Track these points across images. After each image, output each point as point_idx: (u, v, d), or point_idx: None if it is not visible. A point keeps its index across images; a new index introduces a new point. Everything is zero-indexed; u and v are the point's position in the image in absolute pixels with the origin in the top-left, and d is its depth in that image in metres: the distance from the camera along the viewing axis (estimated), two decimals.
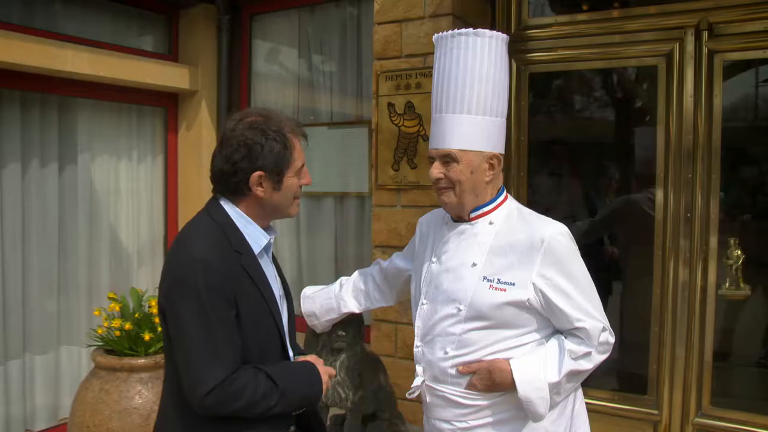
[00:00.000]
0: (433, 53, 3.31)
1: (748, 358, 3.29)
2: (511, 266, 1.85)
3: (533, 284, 1.82)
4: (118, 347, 3.06)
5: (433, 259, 2.02)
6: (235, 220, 1.76)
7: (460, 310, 1.88)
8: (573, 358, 1.82)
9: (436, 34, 2.03)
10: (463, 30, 1.95)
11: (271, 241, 1.84)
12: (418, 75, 3.30)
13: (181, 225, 4.68)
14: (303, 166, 1.82)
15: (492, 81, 1.90)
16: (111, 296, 3.14)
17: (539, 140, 3.73)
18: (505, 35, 1.96)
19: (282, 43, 4.67)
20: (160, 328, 3.09)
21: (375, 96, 3.46)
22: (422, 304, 2.01)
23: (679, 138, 3.17)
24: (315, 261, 4.53)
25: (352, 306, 2.35)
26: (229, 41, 4.65)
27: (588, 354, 1.84)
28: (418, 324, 2.01)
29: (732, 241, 3.09)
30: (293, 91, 4.63)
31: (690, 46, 3.14)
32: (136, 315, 3.06)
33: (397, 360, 3.43)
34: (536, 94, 3.68)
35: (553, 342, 1.87)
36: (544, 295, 1.82)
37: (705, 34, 3.11)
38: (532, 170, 3.67)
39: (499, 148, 1.94)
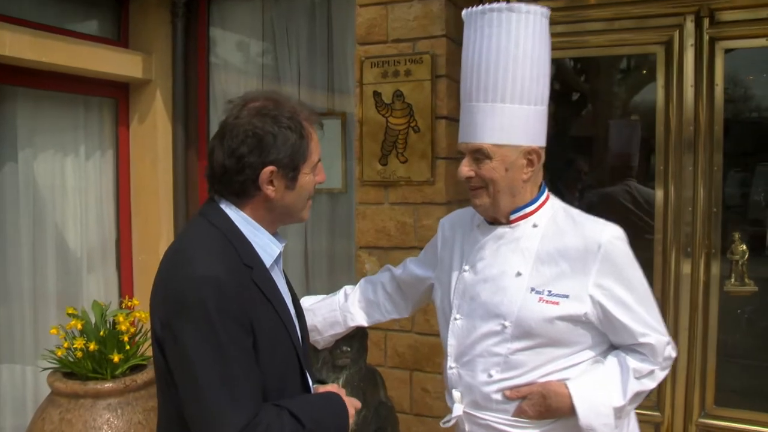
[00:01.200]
0: (424, 38, 3.15)
1: (753, 355, 3.22)
2: (563, 275, 1.64)
3: (590, 296, 1.62)
4: (79, 370, 2.69)
5: (465, 267, 1.79)
6: (240, 227, 1.48)
7: (504, 326, 1.66)
8: (637, 378, 1.64)
9: (465, 10, 1.78)
10: (495, 5, 1.70)
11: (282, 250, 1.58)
12: (407, 61, 3.06)
13: (135, 225, 4.31)
14: (319, 160, 1.56)
15: (530, 63, 1.66)
16: (70, 312, 2.75)
17: None
18: (545, 9, 1.72)
19: (244, 31, 4.33)
20: (128, 347, 2.74)
21: (359, 84, 3.20)
22: (455, 319, 1.78)
23: (680, 129, 3.05)
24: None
25: (360, 319, 2.09)
26: (185, 27, 4.26)
27: (652, 372, 1.66)
28: (452, 342, 1.78)
29: (736, 236, 3.00)
30: (256, 83, 4.29)
31: (690, 34, 3.01)
32: (101, 333, 2.70)
33: (387, 369, 3.19)
34: None
35: (613, 360, 1.67)
36: (602, 308, 1.62)
37: (706, 21, 2.99)
38: None
39: (539, 140, 1.71)
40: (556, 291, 1.63)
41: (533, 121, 1.68)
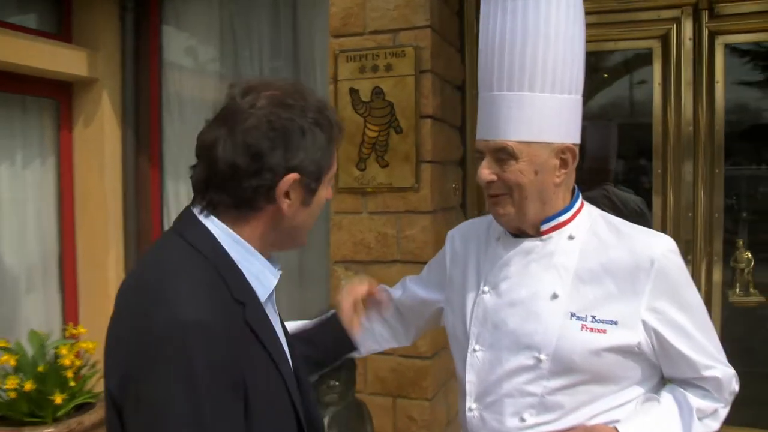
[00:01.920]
0: (406, 29, 2.84)
1: (759, 367, 3.04)
2: (610, 297, 1.37)
3: (643, 321, 1.35)
4: (13, 414, 2.29)
5: (485, 289, 1.50)
6: (230, 251, 1.14)
7: (540, 360, 1.37)
8: (700, 419, 1.38)
9: None
10: None
11: None
12: (388, 55, 2.77)
13: (80, 240, 3.90)
14: (332, 178, 1.26)
15: (563, 43, 1.39)
16: (2, 345, 2.35)
17: None
18: None
19: (200, 26, 3.97)
20: (73, 383, 2.36)
21: (332, 81, 2.89)
22: (474, 351, 1.48)
23: (678, 130, 2.86)
24: None
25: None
26: (136, 21, 3.88)
27: (716, 411, 1.41)
28: (471, 379, 1.49)
29: (740, 243, 2.81)
30: (213, 83, 3.95)
31: (688, 28, 2.83)
32: (40, 368, 2.31)
33: (367, 396, 2.89)
34: None
35: (670, 398, 1.41)
36: (658, 336, 1.36)
37: (704, 14, 2.81)
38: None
39: (573, 136, 1.43)
40: (602, 316, 1.36)
41: (567, 113, 1.42)
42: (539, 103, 1.38)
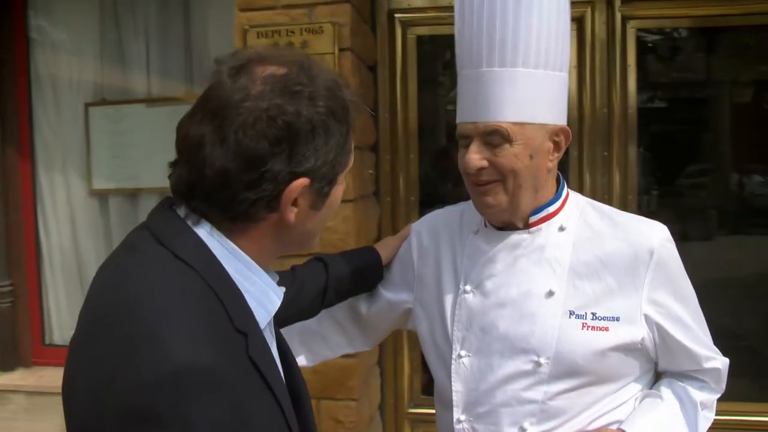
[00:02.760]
0: (323, 3, 2.62)
1: None
2: (610, 292, 1.28)
3: (645, 315, 1.27)
4: None
5: (467, 288, 1.36)
6: (226, 265, 0.90)
7: (539, 364, 1.26)
8: (703, 411, 1.34)
9: None
10: None
11: None
12: (303, 31, 2.55)
13: None
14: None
15: (556, 15, 1.28)
16: None
17: (428, 117, 3.23)
18: None
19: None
20: None
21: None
22: (460, 357, 1.34)
23: (593, 113, 2.88)
24: None
25: (302, 359, 1.58)
26: None
27: (713, 401, 1.37)
28: (458, 388, 1.34)
29: None
30: (92, 60, 3.53)
31: (602, 12, 2.84)
32: None
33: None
34: (424, 61, 3.14)
35: (669, 393, 1.34)
36: (659, 330, 1.29)
37: None
38: (422, 153, 3.14)
39: (563, 117, 1.34)
40: (603, 313, 1.26)
41: (559, 92, 1.31)
42: (533, 80, 1.26)
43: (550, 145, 1.30)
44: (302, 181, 0.89)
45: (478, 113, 1.27)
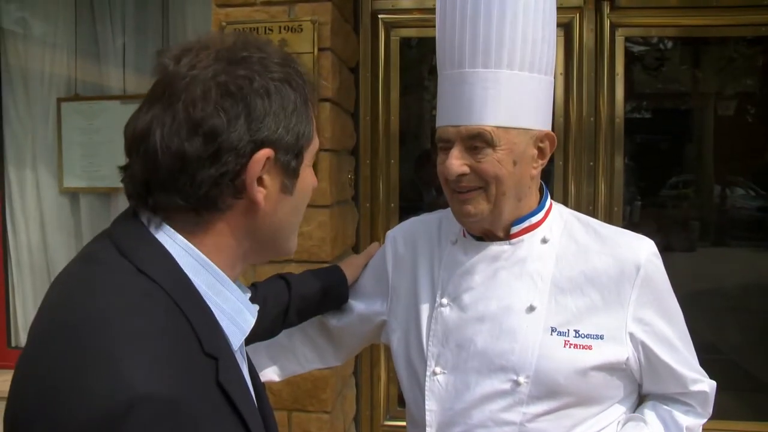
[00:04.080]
0: (303, 0, 2.57)
1: None
2: (594, 309, 1.21)
3: (630, 334, 1.20)
4: None
5: (443, 301, 1.29)
6: (195, 279, 0.81)
7: (518, 383, 1.18)
8: None
9: None
10: None
11: None
12: (282, 29, 2.46)
13: None
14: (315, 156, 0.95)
15: (542, 16, 1.22)
16: None
17: (410, 121, 3.15)
18: None
19: None
20: None
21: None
22: (434, 374, 1.27)
23: (580, 121, 2.82)
24: None
25: (271, 373, 1.49)
26: None
27: (699, 426, 1.29)
28: (432, 407, 1.26)
29: None
30: (66, 53, 3.41)
31: (590, 18, 2.78)
32: None
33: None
34: (408, 64, 3.07)
35: (653, 416, 1.27)
36: (645, 350, 1.22)
37: (606, 6, 2.78)
38: (403, 158, 3.06)
39: (548, 122, 1.27)
40: (587, 330, 1.19)
41: (544, 95, 1.24)
42: (518, 82, 1.19)
43: (535, 151, 1.23)
44: (266, 152, 0.81)
45: (460, 116, 1.19)
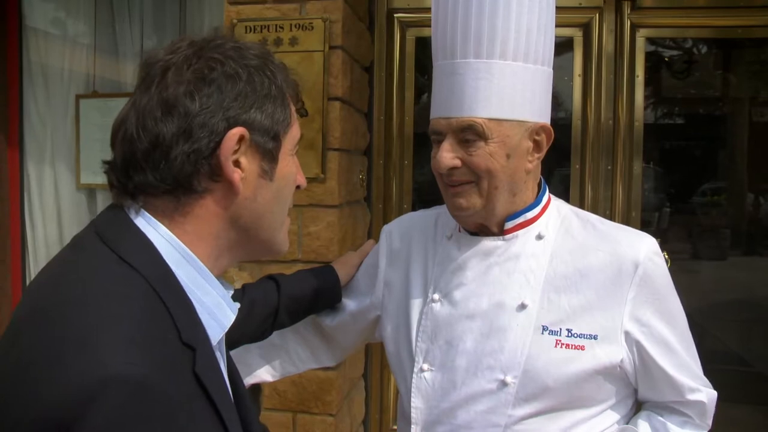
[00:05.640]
0: None
1: None
2: (588, 308, 1.16)
3: (625, 333, 1.15)
4: None
5: (435, 296, 1.25)
6: (177, 270, 0.81)
7: (505, 384, 1.14)
8: None
9: None
10: None
11: None
12: (293, 27, 2.44)
13: None
14: (297, 146, 0.94)
15: (538, 6, 1.17)
16: None
17: (425, 122, 3.10)
18: None
19: None
20: None
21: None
22: (422, 371, 1.23)
23: (598, 125, 2.74)
24: None
25: (264, 373, 1.46)
26: None
27: None
28: (418, 404, 1.23)
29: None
30: (86, 51, 3.45)
31: (610, 18, 2.71)
32: None
33: (265, 413, 2.56)
34: (423, 64, 3.02)
35: (646, 427, 1.21)
36: (640, 351, 1.16)
37: (626, 6, 2.70)
38: (416, 159, 3.02)
39: (546, 115, 1.22)
40: (580, 330, 1.14)
41: (540, 87, 1.19)
42: (511, 73, 1.15)
43: (530, 144, 1.18)
44: (239, 130, 0.81)
45: (451, 108, 1.16)
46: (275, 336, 1.45)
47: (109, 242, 0.79)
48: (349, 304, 1.44)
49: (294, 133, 0.90)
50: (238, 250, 0.89)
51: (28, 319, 0.75)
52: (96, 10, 3.40)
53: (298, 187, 0.94)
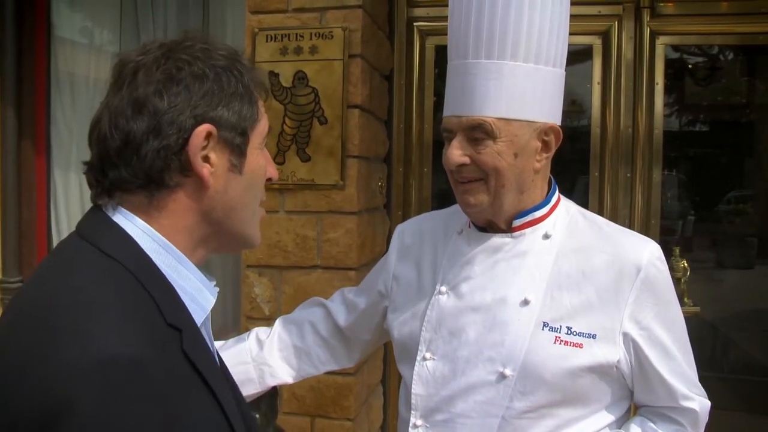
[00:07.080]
0: (335, 8, 2.51)
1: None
2: (589, 307, 1.19)
3: (624, 334, 1.18)
4: None
5: (442, 289, 1.30)
6: (156, 259, 0.86)
7: (504, 376, 1.18)
8: None
9: None
10: None
11: None
12: (313, 36, 2.47)
13: None
14: (265, 140, 0.99)
15: (551, 8, 1.21)
16: None
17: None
18: None
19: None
20: None
21: (250, 62, 2.56)
22: (424, 359, 1.28)
23: (617, 132, 2.73)
24: None
25: (284, 374, 1.49)
26: None
27: None
28: (419, 391, 1.28)
29: (676, 251, 2.71)
30: (111, 58, 3.52)
31: (629, 26, 2.70)
32: None
33: (283, 416, 2.58)
34: (442, 72, 3.03)
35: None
36: (637, 353, 1.19)
37: (646, 13, 2.69)
38: (437, 165, 3.03)
39: (556, 115, 1.25)
40: (579, 328, 1.18)
41: (551, 88, 1.23)
42: (522, 74, 1.19)
43: (538, 144, 1.22)
44: (206, 126, 0.86)
45: (462, 107, 1.21)
46: (296, 338, 1.51)
47: (89, 239, 0.85)
48: (361, 300, 1.49)
49: (261, 129, 0.95)
50: (213, 242, 0.94)
51: (19, 315, 0.80)
52: (122, 20, 3.48)
53: (269, 179, 0.98)
